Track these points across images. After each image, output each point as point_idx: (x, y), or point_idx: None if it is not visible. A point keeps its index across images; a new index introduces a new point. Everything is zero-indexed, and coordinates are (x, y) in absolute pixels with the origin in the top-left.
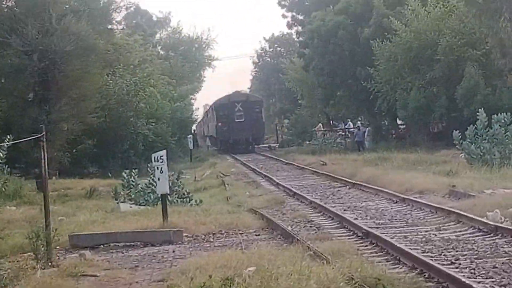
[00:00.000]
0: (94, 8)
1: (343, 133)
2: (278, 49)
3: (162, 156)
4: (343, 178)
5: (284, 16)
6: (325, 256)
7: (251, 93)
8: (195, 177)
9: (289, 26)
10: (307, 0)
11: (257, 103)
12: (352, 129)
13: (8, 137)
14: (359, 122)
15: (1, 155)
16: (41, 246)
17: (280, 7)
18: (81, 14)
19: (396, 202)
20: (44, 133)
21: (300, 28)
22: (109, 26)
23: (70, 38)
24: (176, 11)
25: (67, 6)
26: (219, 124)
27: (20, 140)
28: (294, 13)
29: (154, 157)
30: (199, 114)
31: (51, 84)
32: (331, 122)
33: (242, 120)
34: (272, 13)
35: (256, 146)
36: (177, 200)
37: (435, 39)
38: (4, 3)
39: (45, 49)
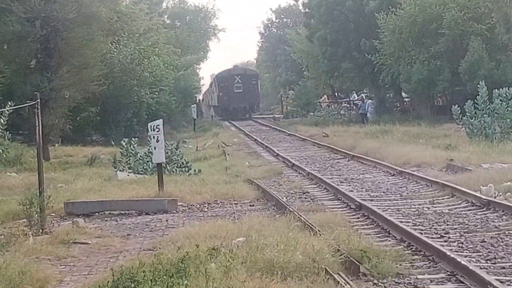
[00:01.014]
0: None
1: (348, 105)
2: (285, 20)
3: (158, 125)
4: (343, 150)
5: None
6: (314, 227)
7: (248, 67)
8: (197, 147)
9: None
10: None
11: (253, 76)
12: (356, 101)
13: (9, 103)
14: (363, 94)
15: (2, 121)
16: (35, 213)
17: None
18: None
19: (393, 175)
20: (38, 100)
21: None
22: None
23: (72, 6)
24: None
25: None
26: (220, 94)
27: (16, 107)
28: None
29: (150, 126)
30: (205, 83)
31: (53, 51)
32: (335, 94)
33: (240, 91)
34: None
35: (252, 113)
36: (175, 170)
37: (440, 13)
38: None
39: (47, 16)
